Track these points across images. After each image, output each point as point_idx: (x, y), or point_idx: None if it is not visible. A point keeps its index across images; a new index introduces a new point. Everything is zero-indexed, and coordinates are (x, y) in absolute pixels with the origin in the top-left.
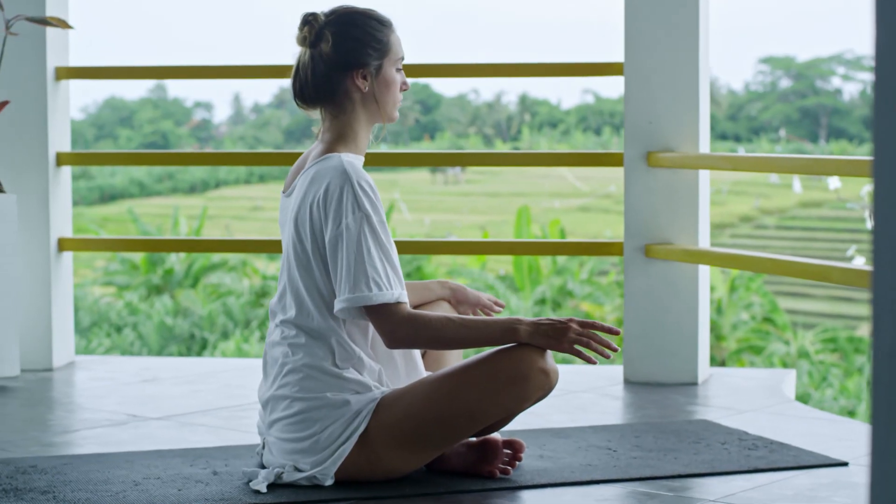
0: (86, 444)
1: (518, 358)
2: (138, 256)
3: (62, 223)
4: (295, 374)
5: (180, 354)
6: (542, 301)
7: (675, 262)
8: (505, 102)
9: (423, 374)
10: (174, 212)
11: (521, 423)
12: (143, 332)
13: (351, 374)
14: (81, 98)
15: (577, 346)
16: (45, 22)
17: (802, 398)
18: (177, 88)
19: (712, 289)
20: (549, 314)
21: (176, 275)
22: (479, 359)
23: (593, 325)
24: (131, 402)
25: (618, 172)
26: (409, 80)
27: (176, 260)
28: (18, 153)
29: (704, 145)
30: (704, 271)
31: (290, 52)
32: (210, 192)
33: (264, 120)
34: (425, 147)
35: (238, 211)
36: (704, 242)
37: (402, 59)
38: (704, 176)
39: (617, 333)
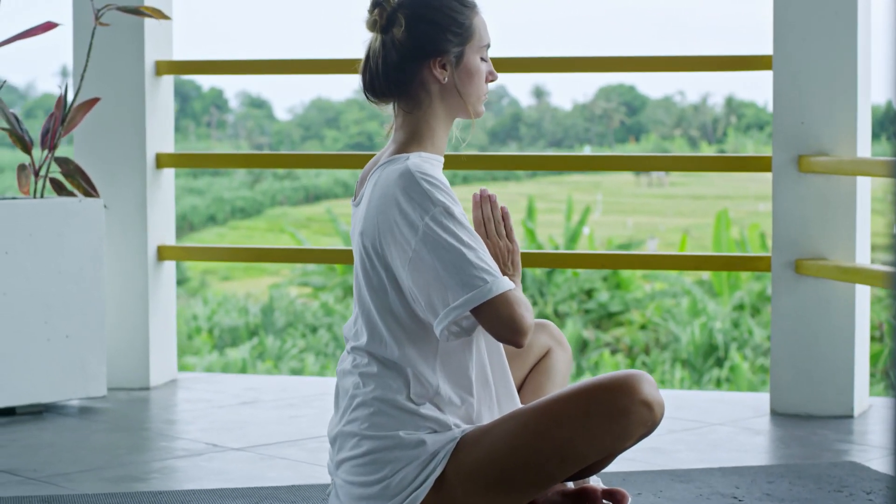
0: (149, 479)
1: (616, 389)
2: None
3: (163, 230)
4: (365, 409)
5: None
6: (740, 307)
7: (828, 280)
8: (711, 104)
9: (518, 404)
10: None
11: (640, 461)
12: (338, 333)
13: (428, 410)
14: (289, 99)
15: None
16: (137, 12)
17: None
18: None
19: None
20: (747, 320)
21: None
22: (572, 391)
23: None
24: (218, 429)
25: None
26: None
27: None
28: (114, 155)
29: (864, 148)
30: (863, 291)
31: (362, 38)
32: None
33: (469, 121)
34: (630, 150)
35: None
36: (863, 258)
37: (489, 45)
38: (863, 183)
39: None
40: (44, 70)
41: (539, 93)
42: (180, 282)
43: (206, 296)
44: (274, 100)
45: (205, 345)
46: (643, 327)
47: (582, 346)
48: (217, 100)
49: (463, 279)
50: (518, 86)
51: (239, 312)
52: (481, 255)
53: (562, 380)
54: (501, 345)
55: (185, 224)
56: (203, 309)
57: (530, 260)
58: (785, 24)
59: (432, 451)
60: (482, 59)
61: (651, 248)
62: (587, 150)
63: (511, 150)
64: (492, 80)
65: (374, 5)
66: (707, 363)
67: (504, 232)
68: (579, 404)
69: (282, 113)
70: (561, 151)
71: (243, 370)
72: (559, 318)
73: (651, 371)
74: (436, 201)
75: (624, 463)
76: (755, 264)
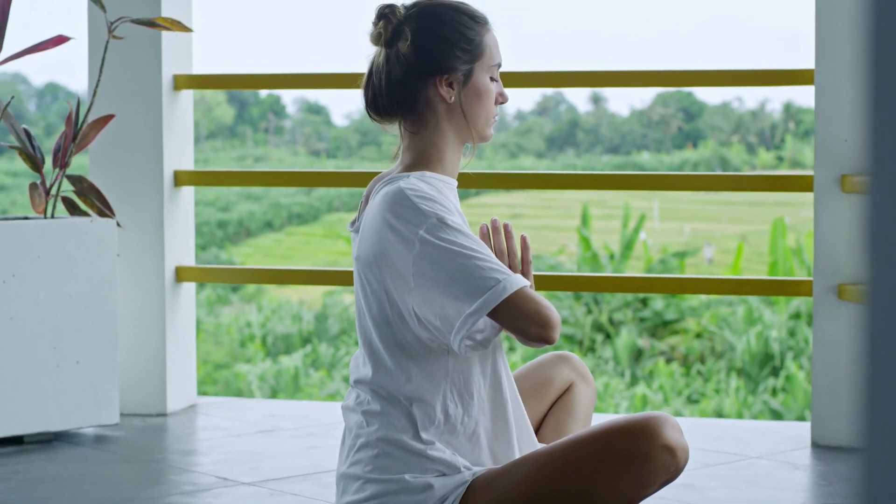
0: None
1: (637, 433)
2: None
3: (181, 250)
4: (369, 450)
5: None
6: (796, 315)
7: None
8: (769, 111)
9: (536, 442)
10: None
11: (669, 499)
12: None
13: (436, 451)
14: (346, 105)
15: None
16: (152, 24)
17: None
18: None
19: None
20: (803, 329)
21: None
22: (590, 434)
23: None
24: (231, 461)
25: None
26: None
27: None
28: (130, 172)
29: None
30: None
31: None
32: (471, 199)
33: (527, 127)
34: (687, 156)
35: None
36: None
37: (499, 65)
38: None
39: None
40: None
41: (596, 99)
42: (235, 289)
43: (261, 303)
44: (331, 106)
45: (258, 352)
46: (699, 336)
47: (637, 355)
48: (274, 106)
49: (473, 283)
50: (575, 92)
51: (293, 319)
52: (487, 257)
53: (584, 417)
54: (515, 384)
55: (241, 230)
56: (257, 316)
57: (553, 283)
58: (827, 37)
59: (440, 496)
60: (492, 78)
61: (707, 255)
62: (645, 157)
63: (568, 157)
64: (502, 102)
65: (379, 17)
66: (763, 372)
67: (520, 265)
68: (597, 448)
69: (339, 119)
70: (618, 158)
71: (295, 378)
72: (614, 326)
73: (707, 380)
74: (427, 213)
75: (652, 501)
76: (796, 289)
